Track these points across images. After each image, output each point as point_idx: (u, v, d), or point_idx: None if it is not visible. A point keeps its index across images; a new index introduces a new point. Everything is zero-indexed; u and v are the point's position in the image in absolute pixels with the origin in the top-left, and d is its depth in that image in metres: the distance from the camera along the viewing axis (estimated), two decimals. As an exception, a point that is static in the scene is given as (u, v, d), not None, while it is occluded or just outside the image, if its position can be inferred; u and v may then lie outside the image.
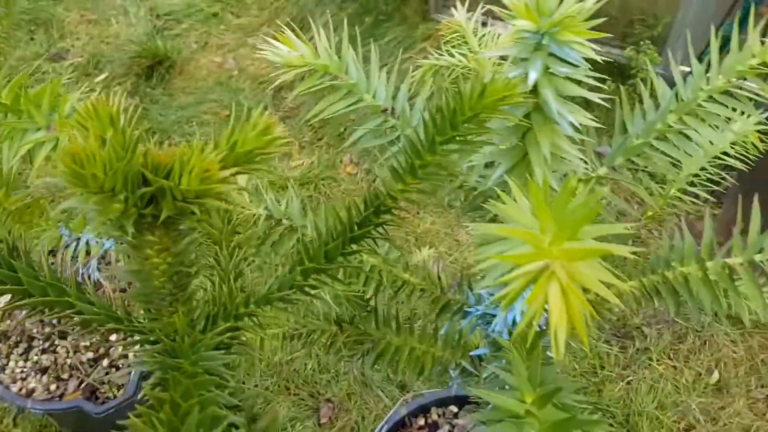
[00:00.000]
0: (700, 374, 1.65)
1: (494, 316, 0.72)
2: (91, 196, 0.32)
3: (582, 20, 0.48)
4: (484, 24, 0.83)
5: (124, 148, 0.33)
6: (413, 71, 0.72)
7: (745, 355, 1.68)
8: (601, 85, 0.53)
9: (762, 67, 0.60)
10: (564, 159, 0.55)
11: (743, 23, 0.61)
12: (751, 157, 0.86)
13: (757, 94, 0.61)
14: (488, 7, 0.83)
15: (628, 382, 1.64)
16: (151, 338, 0.41)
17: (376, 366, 0.79)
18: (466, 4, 0.81)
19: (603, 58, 0.52)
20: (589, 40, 0.49)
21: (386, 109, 0.58)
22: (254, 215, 0.67)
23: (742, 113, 0.83)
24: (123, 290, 1.60)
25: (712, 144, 0.82)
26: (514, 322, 0.71)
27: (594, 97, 0.53)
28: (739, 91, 0.61)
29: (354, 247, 0.43)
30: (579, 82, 0.52)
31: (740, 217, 0.64)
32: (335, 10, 2.35)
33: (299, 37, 0.56)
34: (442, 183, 0.58)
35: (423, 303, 0.74)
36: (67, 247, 1.07)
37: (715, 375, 1.65)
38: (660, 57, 1.96)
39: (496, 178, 0.54)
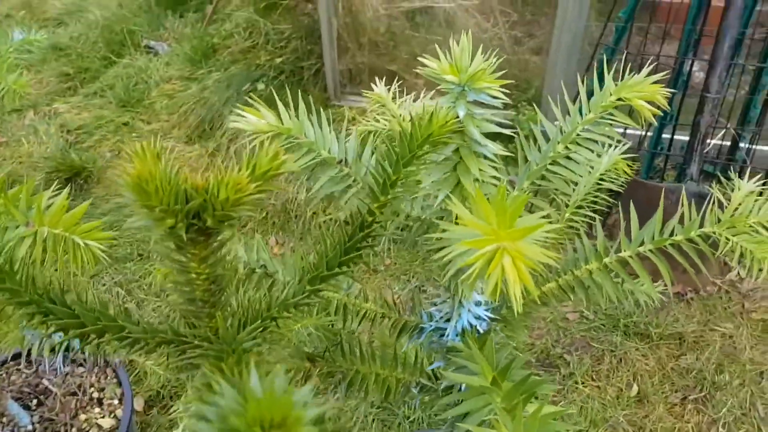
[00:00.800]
0: (622, 389, 1.83)
1: (445, 329, 0.85)
2: (152, 211, 0.43)
3: (489, 73, 0.65)
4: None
5: (169, 175, 0.45)
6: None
7: (656, 365, 1.87)
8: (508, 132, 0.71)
9: (619, 102, 0.79)
10: (487, 183, 0.71)
11: (601, 75, 0.82)
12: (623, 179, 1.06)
13: (621, 122, 0.80)
14: (402, 81, 1.01)
15: (560, 407, 1.78)
16: (196, 342, 0.51)
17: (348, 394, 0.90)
18: (383, 80, 0.98)
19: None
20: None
21: (341, 161, 0.72)
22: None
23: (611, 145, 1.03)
24: (73, 393, 1.61)
25: (593, 169, 1.01)
26: (463, 331, 0.84)
27: (505, 131, 0.69)
28: (605, 121, 0.80)
29: (348, 256, 0.55)
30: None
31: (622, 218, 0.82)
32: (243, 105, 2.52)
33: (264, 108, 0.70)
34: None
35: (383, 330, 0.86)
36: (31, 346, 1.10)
37: (635, 388, 1.83)
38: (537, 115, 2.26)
39: (440, 202, 0.69)
